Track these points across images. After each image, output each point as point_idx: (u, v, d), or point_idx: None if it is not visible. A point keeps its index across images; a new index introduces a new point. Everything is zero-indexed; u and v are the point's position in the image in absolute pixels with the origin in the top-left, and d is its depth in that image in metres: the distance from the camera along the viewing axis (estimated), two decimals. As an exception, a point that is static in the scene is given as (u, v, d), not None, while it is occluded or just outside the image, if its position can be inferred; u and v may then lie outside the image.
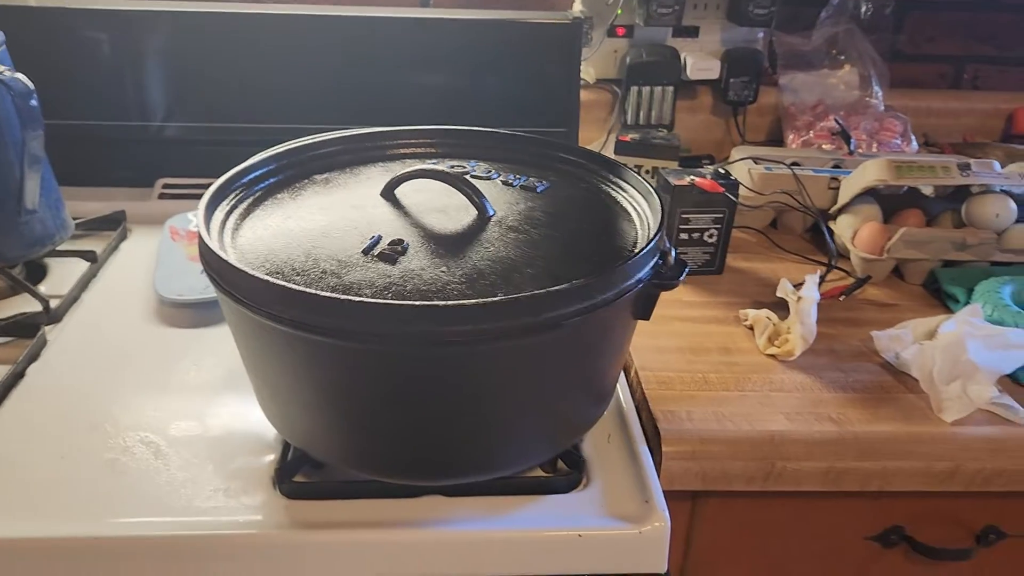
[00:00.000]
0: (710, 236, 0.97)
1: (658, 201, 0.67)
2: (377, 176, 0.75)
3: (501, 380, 0.59)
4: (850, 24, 1.24)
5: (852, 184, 1.02)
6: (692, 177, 0.95)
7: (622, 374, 0.81)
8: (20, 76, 0.83)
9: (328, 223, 0.66)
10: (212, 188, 0.67)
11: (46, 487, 0.66)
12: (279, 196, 0.72)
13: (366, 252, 0.61)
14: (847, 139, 1.15)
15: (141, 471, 0.68)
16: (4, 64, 0.86)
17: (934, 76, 1.36)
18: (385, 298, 0.56)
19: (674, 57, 1.24)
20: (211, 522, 0.64)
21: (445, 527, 0.64)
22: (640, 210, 0.70)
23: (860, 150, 1.18)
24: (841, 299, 0.95)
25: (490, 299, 0.54)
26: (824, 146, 1.21)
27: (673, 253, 0.64)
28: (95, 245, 1.00)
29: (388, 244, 0.62)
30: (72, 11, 1.09)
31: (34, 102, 0.84)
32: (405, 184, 0.70)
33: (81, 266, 0.96)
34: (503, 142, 0.81)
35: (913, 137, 1.24)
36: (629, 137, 1.07)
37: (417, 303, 0.53)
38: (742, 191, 1.00)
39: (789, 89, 1.27)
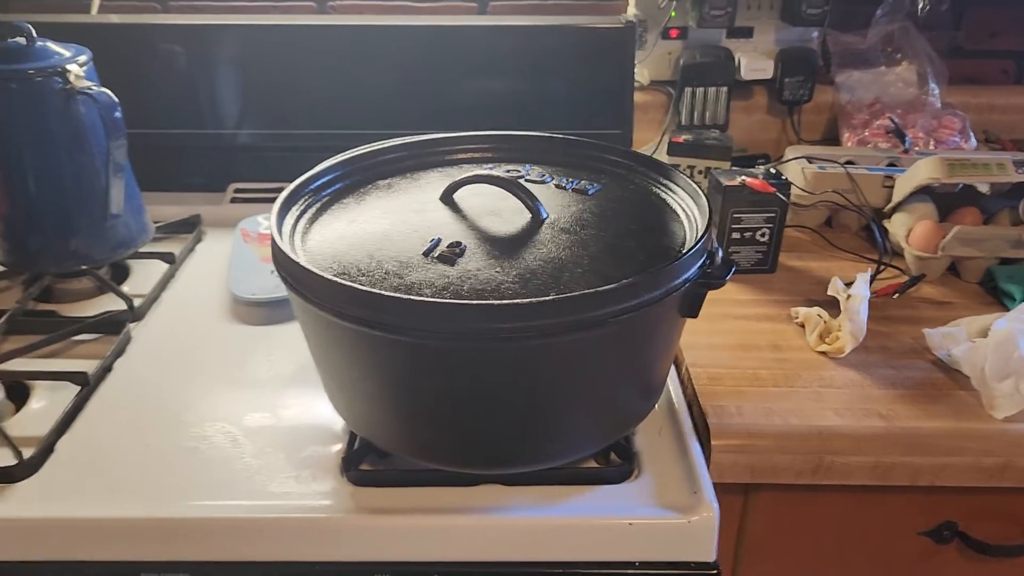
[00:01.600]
0: (762, 235, 0.99)
1: (705, 202, 0.69)
2: (436, 181, 0.79)
3: (553, 375, 0.62)
4: (906, 22, 1.23)
5: (905, 182, 1.02)
6: (743, 177, 0.97)
7: (673, 370, 0.83)
8: (106, 91, 0.89)
9: (390, 226, 0.70)
10: (283, 194, 0.71)
11: (134, 472, 0.72)
12: (345, 201, 0.76)
13: (426, 254, 0.65)
14: (902, 137, 1.15)
15: (220, 458, 0.73)
16: (91, 79, 0.93)
17: (996, 72, 1.34)
18: (444, 297, 0.59)
19: (728, 58, 1.25)
20: (284, 506, 0.68)
21: (502, 514, 0.68)
22: (688, 211, 0.72)
23: (917, 148, 1.18)
24: (895, 297, 0.96)
25: (542, 298, 0.57)
26: (880, 144, 1.21)
27: (720, 253, 0.66)
28: (173, 247, 1.06)
29: (447, 246, 0.66)
30: (150, 26, 1.16)
31: (118, 114, 0.90)
32: (463, 188, 0.74)
33: (161, 267, 1.02)
34: (556, 146, 0.84)
35: (972, 134, 1.22)
36: (682, 138, 1.09)
37: (473, 302, 0.57)
38: (794, 190, 1.01)
39: (845, 87, 1.27)
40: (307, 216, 0.73)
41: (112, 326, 0.90)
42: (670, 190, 0.76)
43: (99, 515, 0.67)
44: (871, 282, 0.91)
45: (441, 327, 0.57)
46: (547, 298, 0.57)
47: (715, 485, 0.70)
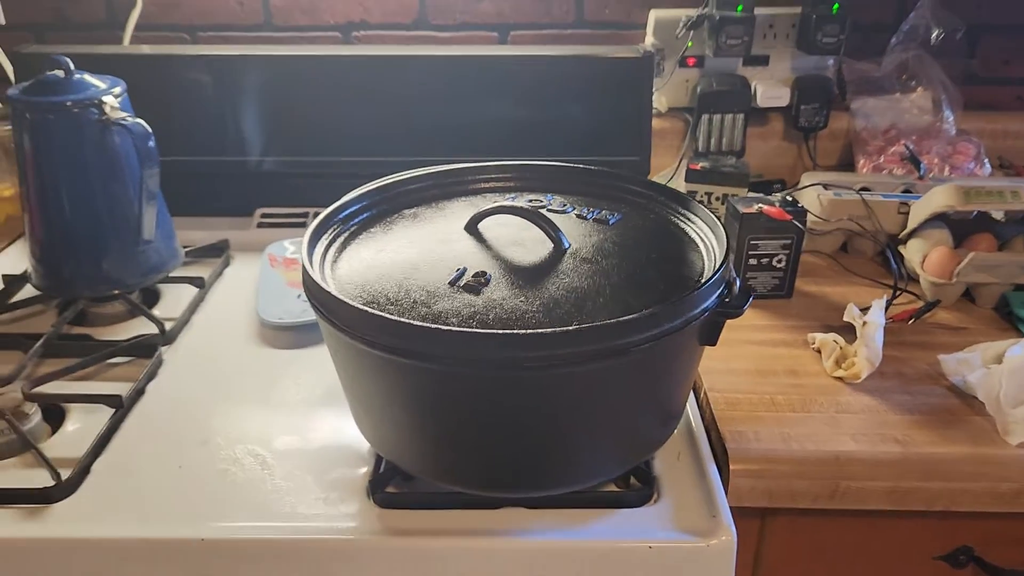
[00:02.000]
0: (779, 261, 1.00)
1: (724, 232, 0.71)
2: (461, 210, 0.81)
3: (575, 401, 0.64)
4: (920, 50, 1.25)
5: (921, 209, 1.04)
6: (760, 205, 0.99)
7: (692, 395, 0.85)
8: (140, 121, 0.92)
9: (417, 256, 0.72)
10: (313, 224, 0.74)
11: (167, 493, 0.74)
12: (372, 230, 0.78)
13: (452, 283, 0.67)
14: (916, 164, 1.16)
15: (249, 480, 0.75)
16: (126, 110, 0.96)
17: (1010, 98, 1.36)
18: (470, 327, 0.61)
19: (744, 86, 1.27)
20: (313, 527, 0.70)
21: (525, 536, 0.69)
22: (707, 240, 0.74)
23: (932, 174, 1.19)
24: (910, 323, 0.97)
25: (565, 328, 0.59)
26: (895, 171, 1.23)
27: (738, 282, 0.68)
28: (202, 271, 1.08)
29: (472, 276, 0.68)
30: (180, 57, 1.19)
31: (151, 143, 0.93)
32: (487, 218, 0.76)
33: (190, 291, 1.05)
34: (578, 176, 0.86)
35: (986, 160, 1.24)
36: (699, 165, 1.11)
37: (499, 331, 0.59)
38: (810, 217, 1.03)
39: (861, 114, 1.29)
40: (336, 244, 0.75)
41: (144, 349, 0.92)
42: (688, 220, 0.78)
43: (134, 535, 0.69)
44: (886, 308, 0.92)
45: (468, 356, 0.59)
46: (570, 328, 0.59)
47: (733, 509, 0.72)
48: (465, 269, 0.69)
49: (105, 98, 0.93)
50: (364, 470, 0.76)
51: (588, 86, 1.19)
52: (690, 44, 1.25)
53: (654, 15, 1.27)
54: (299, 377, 0.90)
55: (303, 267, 0.68)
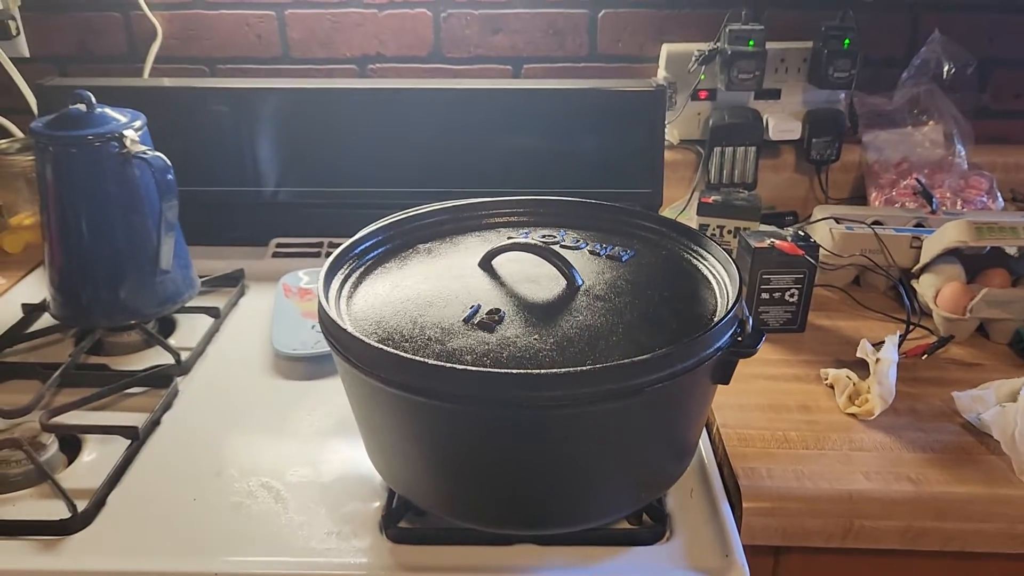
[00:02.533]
0: (791, 296, 1.00)
1: (736, 271, 0.71)
2: (475, 245, 0.82)
3: (587, 440, 0.64)
4: (931, 84, 1.26)
5: (933, 244, 1.04)
6: (772, 240, 0.99)
7: (704, 430, 0.85)
8: (160, 155, 0.94)
9: (431, 292, 0.73)
10: (328, 260, 0.74)
11: (182, 526, 0.74)
12: (387, 265, 0.79)
13: (466, 321, 0.68)
14: (929, 199, 1.17)
15: (263, 513, 0.76)
16: (145, 143, 0.97)
17: (1022, 132, 1.36)
18: (484, 365, 0.62)
19: (756, 119, 1.28)
20: (325, 563, 0.70)
21: (537, 574, 0.69)
22: (719, 277, 0.74)
23: (944, 208, 1.20)
24: (923, 358, 0.97)
25: (579, 368, 0.59)
26: (908, 204, 1.23)
27: (751, 322, 0.68)
28: (218, 301, 1.09)
29: (486, 313, 0.69)
30: (199, 89, 1.21)
31: (171, 176, 0.94)
32: (500, 255, 0.77)
33: (206, 321, 1.06)
34: (591, 211, 0.87)
35: (999, 194, 1.24)
36: (712, 199, 1.12)
37: (513, 371, 0.59)
38: (822, 252, 1.03)
39: (873, 147, 1.30)
40: (352, 280, 0.76)
41: (161, 380, 0.93)
42: (701, 256, 0.78)
43: (150, 569, 0.70)
44: (900, 344, 0.92)
45: (482, 395, 0.59)
46: (584, 368, 0.59)
47: (745, 547, 0.72)
48: (479, 306, 0.70)
49: (126, 132, 0.94)
50: (377, 504, 0.76)
51: (601, 119, 1.20)
52: (702, 77, 1.26)
53: (666, 49, 1.29)
54: (313, 408, 0.90)
55: (319, 304, 0.69)
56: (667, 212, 1.28)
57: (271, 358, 1.00)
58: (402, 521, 0.73)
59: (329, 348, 0.68)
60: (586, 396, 0.59)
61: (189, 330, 1.05)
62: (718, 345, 0.64)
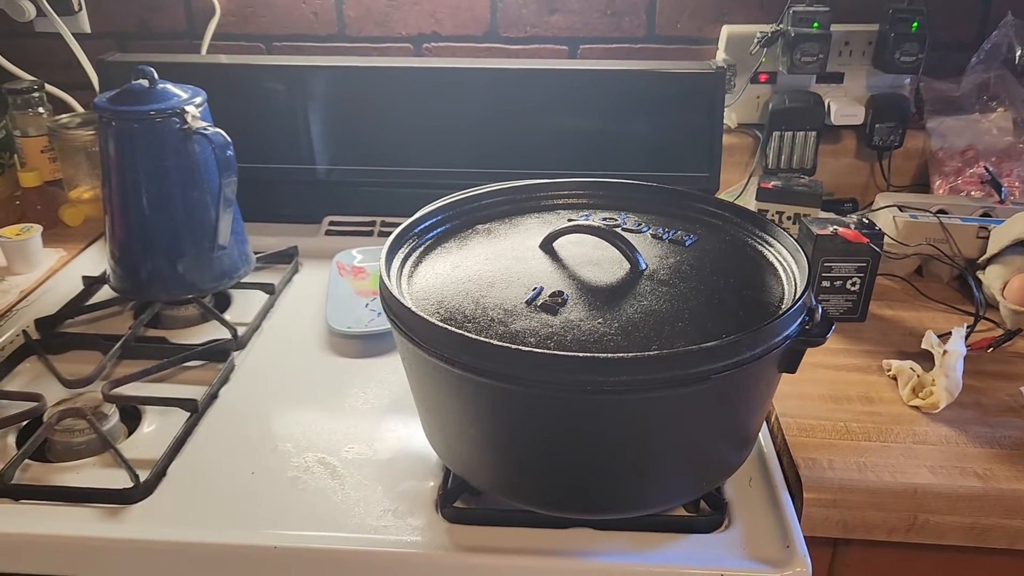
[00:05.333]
0: (852, 284, 0.98)
1: (805, 259, 0.70)
2: (534, 227, 0.81)
3: (651, 426, 0.63)
4: (1002, 69, 1.22)
5: (1002, 235, 1.01)
6: (835, 227, 0.97)
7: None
8: (220, 131, 0.94)
9: (493, 273, 0.72)
10: (391, 238, 0.74)
11: (240, 499, 0.75)
12: (447, 245, 0.79)
13: (529, 303, 0.67)
14: (997, 187, 1.13)
15: (319, 489, 0.76)
16: (206, 119, 0.98)
17: (1095, 120, 1.31)
18: (548, 347, 0.61)
19: (817, 103, 1.25)
20: (381, 540, 0.71)
21: (593, 558, 0.69)
22: (787, 265, 0.73)
23: (1013, 197, 1.16)
24: (989, 351, 0.94)
25: (646, 353, 0.58)
26: (973, 193, 1.19)
27: (820, 310, 0.67)
28: (272, 278, 1.10)
29: (549, 296, 0.68)
30: (256, 67, 1.22)
31: (230, 152, 0.95)
32: (562, 237, 0.76)
33: (260, 297, 1.07)
34: (652, 194, 0.85)
35: (1071, 184, 1.20)
36: (771, 184, 1.09)
37: (580, 354, 0.58)
38: (886, 240, 1.01)
39: (937, 134, 1.26)
40: (412, 259, 0.76)
41: (218, 354, 0.94)
42: (767, 243, 0.77)
43: (211, 541, 0.70)
44: (966, 336, 0.89)
45: (547, 377, 0.59)
46: (652, 353, 0.58)
47: (804, 539, 0.70)
48: (541, 288, 0.69)
49: (187, 108, 0.95)
50: (432, 483, 0.76)
51: (658, 101, 1.18)
52: (763, 60, 1.24)
53: (727, 30, 1.26)
54: (367, 386, 0.91)
55: (381, 281, 0.69)
56: (722, 197, 1.25)
57: (325, 335, 1.00)
58: (458, 501, 0.73)
59: (389, 326, 0.68)
60: (652, 382, 0.59)
61: (244, 306, 1.06)
62: (787, 333, 0.63)
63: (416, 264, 0.75)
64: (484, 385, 0.61)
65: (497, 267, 0.74)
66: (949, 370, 0.84)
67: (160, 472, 0.77)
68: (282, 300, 1.09)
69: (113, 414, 0.84)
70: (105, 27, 1.34)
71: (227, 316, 1.03)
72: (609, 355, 0.58)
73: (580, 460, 0.65)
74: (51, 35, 1.28)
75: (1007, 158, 1.22)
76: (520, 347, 0.60)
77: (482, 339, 0.60)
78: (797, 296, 0.65)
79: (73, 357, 0.96)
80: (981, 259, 1.05)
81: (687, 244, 0.77)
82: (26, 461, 0.78)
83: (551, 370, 0.59)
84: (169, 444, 0.80)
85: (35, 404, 0.83)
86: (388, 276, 0.70)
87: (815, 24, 1.18)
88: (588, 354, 0.58)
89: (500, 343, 0.60)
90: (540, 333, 0.63)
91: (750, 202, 1.12)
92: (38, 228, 1.13)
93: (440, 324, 0.62)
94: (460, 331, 0.62)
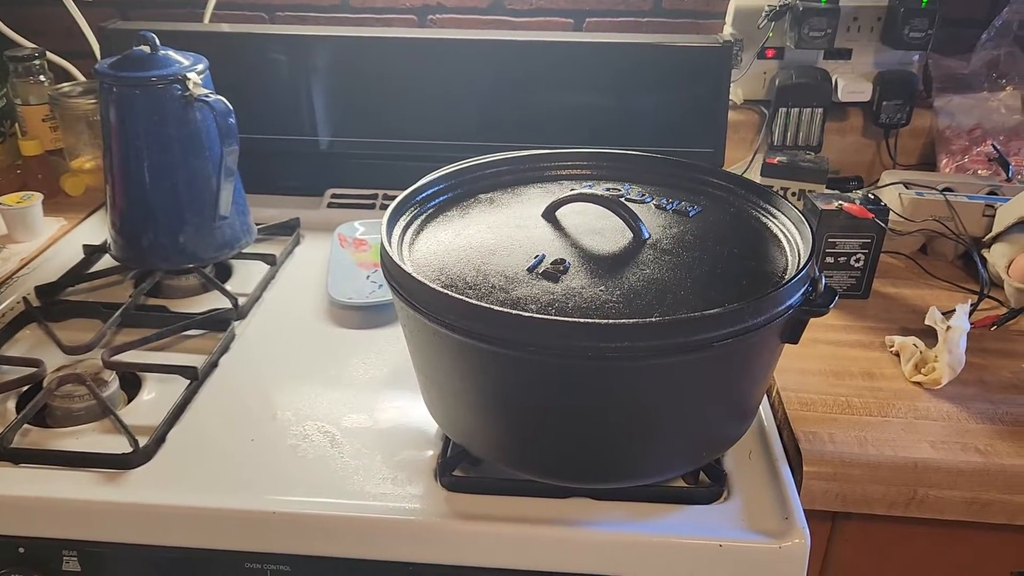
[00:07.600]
0: (856, 260, 0.98)
1: (809, 230, 0.69)
2: (537, 197, 0.80)
3: (651, 394, 0.63)
4: (1013, 47, 1.21)
5: (1008, 213, 1.00)
6: (840, 202, 0.96)
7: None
8: (222, 99, 0.94)
9: (495, 241, 0.72)
10: (392, 205, 0.74)
11: (240, 466, 0.75)
12: (449, 213, 0.78)
13: (530, 270, 0.67)
14: (1005, 165, 1.12)
15: (319, 457, 0.76)
16: (207, 87, 0.97)
17: (1105, 99, 1.30)
18: (549, 314, 0.61)
19: (824, 79, 1.24)
20: (380, 507, 0.71)
21: (592, 527, 0.69)
22: (790, 237, 0.72)
23: (1019, 176, 1.15)
24: (992, 329, 0.94)
25: (648, 319, 0.58)
26: (980, 171, 1.18)
27: (823, 281, 0.66)
28: (274, 249, 1.10)
29: (551, 263, 0.67)
30: (258, 36, 1.21)
31: (232, 120, 0.94)
32: (564, 206, 0.75)
33: (262, 268, 1.06)
34: (656, 166, 0.85)
35: (1079, 163, 1.19)
36: (777, 160, 1.09)
37: (580, 320, 0.58)
38: (891, 216, 1.00)
39: (945, 112, 1.25)
40: (414, 227, 0.75)
41: (218, 324, 0.94)
42: (771, 215, 0.76)
43: (208, 505, 0.70)
44: (970, 313, 0.89)
45: (549, 343, 0.58)
46: (654, 319, 0.58)
47: (804, 511, 0.70)
48: (543, 256, 0.69)
49: (189, 75, 0.94)
50: (431, 452, 0.76)
51: (663, 75, 1.17)
52: (771, 35, 1.22)
53: (734, 4, 1.25)
54: (367, 357, 0.90)
55: (382, 247, 0.68)
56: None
57: (326, 306, 1.00)
58: (457, 470, 0.73)
59: (390, 298, 0.67)
60: (654, 349, 0.58)
61: (245, 276, 1.06)
62: (790, 303, 0.63)
63: (418, 232, 0.75)
64: (484, 351, 0.61)
65: (499, 235, 0.73)
66: (952, 346, 0.83)
67: (160, 438, 0.77)
68: (283, 271, 1.08)
69: (113, 381, 0.84)
70: (107, -5, 1.33)
71: (228, 286, 1.02)
72: (610, 321, 0.58)
73: (580, 428, 0.64)
74: (52, 2, 1.27)
75: (1015, 137, 1.21)
76: (520, 312, 0.59)
77: (483, 304, 0.60)
78: (800, 265, 0.65)
79: (73, 325, 0.96)
80: (986, 237, 1.04)
81: (691, 215, 0.76)
82: (26, 426, 0.78)
83: (552, 335, 0.58)
84: (169, 411, 0.79)
85: (35, 370, 0.83)
86: (389, 243, 0.70)
87: (823, -2, 1.17)
88: (589, 319, 0.58)
89: (501, 308, 0.60)
90: (541, 300, 0.63)
91: (755, 178, 1.12)
92: (39, 196, 1.13)
93: (441, 289, 0.62)
94: (461, 296, 0.61)
